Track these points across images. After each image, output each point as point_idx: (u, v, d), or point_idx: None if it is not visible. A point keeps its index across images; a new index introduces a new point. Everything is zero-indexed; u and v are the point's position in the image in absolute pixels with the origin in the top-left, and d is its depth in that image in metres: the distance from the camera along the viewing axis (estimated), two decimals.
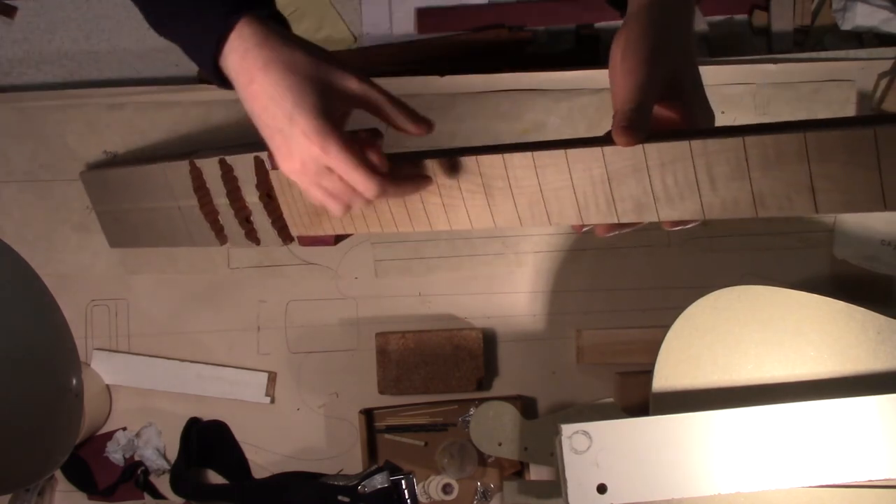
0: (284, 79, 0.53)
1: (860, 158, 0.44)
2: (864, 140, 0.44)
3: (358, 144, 0.55)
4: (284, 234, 0.79)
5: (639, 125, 0.50)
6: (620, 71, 0.53)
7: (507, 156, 0.57)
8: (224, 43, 0.54)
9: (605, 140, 0.53)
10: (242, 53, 0.54)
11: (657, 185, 0.52)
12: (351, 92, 0.56)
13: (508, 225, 0.60)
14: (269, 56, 0.53)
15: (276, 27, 0.55)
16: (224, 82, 0.57)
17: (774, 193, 0.48)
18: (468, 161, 0.59)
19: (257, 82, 0.54)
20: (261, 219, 0.79)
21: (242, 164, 0.77)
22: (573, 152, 0.54)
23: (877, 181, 0.44)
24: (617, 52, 0.54)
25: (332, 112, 0.54)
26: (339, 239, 0.76)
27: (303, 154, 0.55)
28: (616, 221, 0.55)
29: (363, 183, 0.55)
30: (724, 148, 0.49)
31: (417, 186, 0.60)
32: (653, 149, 0.51)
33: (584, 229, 0.58)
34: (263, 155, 0.74)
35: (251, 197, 0.79)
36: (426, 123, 0.58)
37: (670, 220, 0.53)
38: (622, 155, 0.52)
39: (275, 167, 0.72)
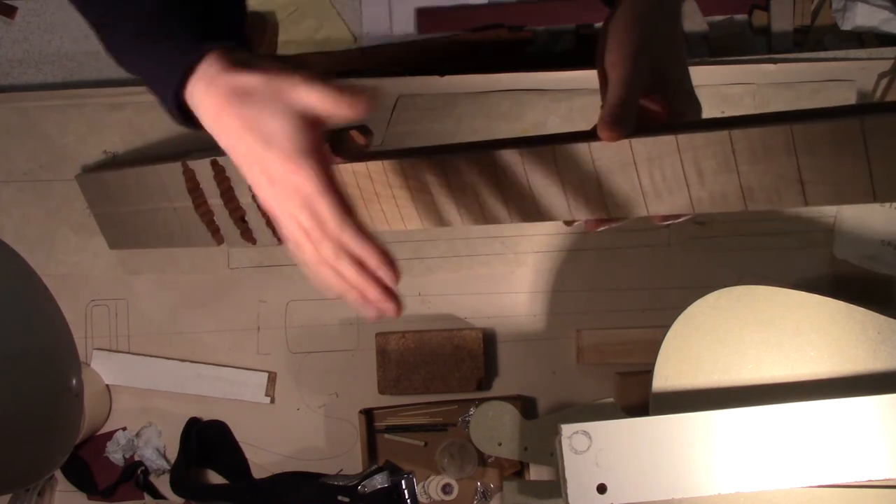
0: (249, 105, 0.48)
1: (848, 149, 0.44)
2: (850, 131, 0.43)
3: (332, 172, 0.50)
4: (280, 234, 0.79)
5: (624, 121, 0.50)
6: (606, 64, 0.52)
7: (495, 153, 0.57)
8: (192, 73, 0.49)
9: (592, 135, 0.52)
10: (208, 81, 0.49)
11: (645, 179, 0.52)
12: (314, 104, 0.48)
13: (499, 222, 0.59)
14: (234, 83, 0.48)
15: (239, 49, 0.50)
16: (186, 119, 0.52)
17: (763, 187, 0.48)
18: (455, 160, 0.58)
19: (226, 113, 0.48)
20: (255, 218, 0.79)
21: (233, 165, 0.77)
22: (561, 149, 0.54)
23: (866, 172, 0.44)
24: (603, 45, 0.53)
25: (305, 129, 0.48)
26: None
27: (283, 180, 0.49)
28: (605, 216, 0.55)
29: (327, 213, 0.50)
30: (710, 142, 0.48)
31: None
32: (639, 144, 0.51)
33: (574, 224, 0.58)
34: None
35: (245, 197, 0.79)
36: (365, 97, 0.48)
37: (660, 215, 0.53)
38: (609, 151, 0.52)
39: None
